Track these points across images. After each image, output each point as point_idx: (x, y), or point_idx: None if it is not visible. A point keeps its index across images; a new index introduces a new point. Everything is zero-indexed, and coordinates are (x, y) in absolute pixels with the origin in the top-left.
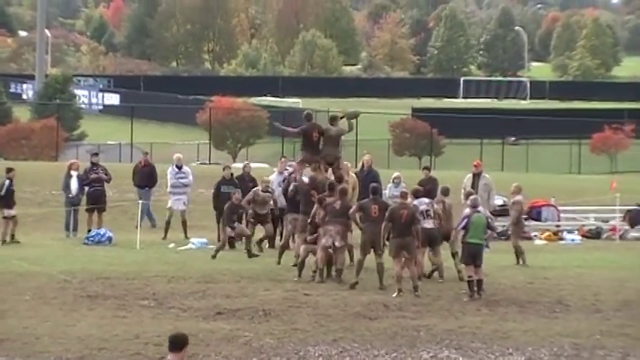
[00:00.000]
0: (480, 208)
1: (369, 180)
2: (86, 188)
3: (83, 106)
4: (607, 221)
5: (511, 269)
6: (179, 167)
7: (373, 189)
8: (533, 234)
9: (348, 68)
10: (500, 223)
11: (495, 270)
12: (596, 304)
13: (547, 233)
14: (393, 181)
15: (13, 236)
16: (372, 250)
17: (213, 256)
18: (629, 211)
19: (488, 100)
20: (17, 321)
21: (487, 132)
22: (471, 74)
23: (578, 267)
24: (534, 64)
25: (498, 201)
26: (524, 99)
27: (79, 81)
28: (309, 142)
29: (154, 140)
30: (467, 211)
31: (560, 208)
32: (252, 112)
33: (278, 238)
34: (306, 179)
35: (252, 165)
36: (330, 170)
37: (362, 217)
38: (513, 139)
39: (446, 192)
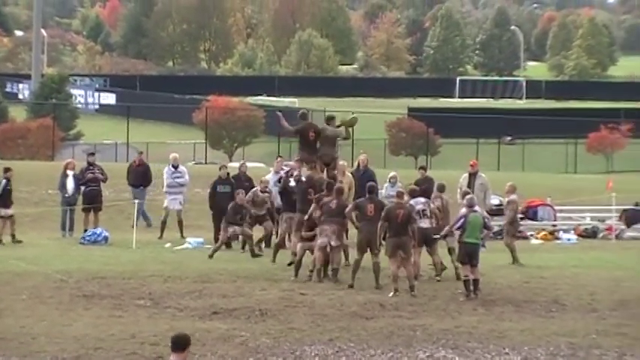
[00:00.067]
0: (477, 208)
1: (365, 180)
2: (82, 188)
3: (79, 105)
4: (603, 221)
5: (507, 269)
6: (175, 167)
7: (370, 188)
8: (529, 233)
9: (344, 68)
10: (497, 223)
11: (492, 269)
12: (593, 304)
13: (543, 233)
14: (389, 181)
15: (14, 236)
16: (368, 249)
17: (210, 256)
18: (625, 210)
19: (485, 99)
20: (14, 320)
21: (483, 131)
22: (467, 74)
23: (575, 266)
24: (530, 63)
25: (494, 200)
26: (521, 99)
27: (75, 80)
28: (306, 141)
29: (150, 140)
30: (463, 210)
31: (556, 207)
32: (249, 112)
33: (274, 237)
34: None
35: (249, 164)
36: (325, 170)
37: (358, 217)
38: (509, 138)
39: (442, 188)
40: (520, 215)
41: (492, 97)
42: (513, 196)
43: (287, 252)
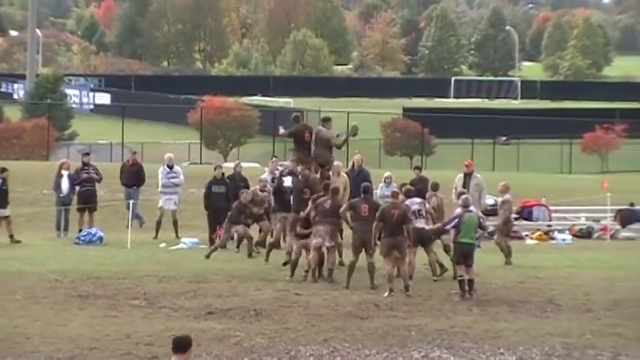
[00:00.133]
0: (472, 208)
1: (360, 180)
2: (77, 188)
3: (74, 105)
4: (598, 221)
5: (502, 269)
6: (170, 167)
7: (365, 188)
8: (524, 234)
9: (339, 68)
10: (492, 223)
11: (487, 270)
12: (587, 304)
13: (538, 233)
14: (384, 181)
15: (12, 237)
16: (363, 249)
17: (207, 256)
18: (620, 210)
19: (480, 99)
20: (8, 320)
21: (478, 132)
22: (462, 74)
23: (570, 267)
24: (525, 63)
25: (489, 200)
26: (516, 99)
27: (70, 80)
28: (302, 142)
29: (145, 140)
30: (458, 210)
31: (551, 207)
32: (244, 112)
33: (268, 237)
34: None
35: (243, 165)
36: (319, 172)
37: (352, 217)
38: (504, 138)
39: (436, 187)
40: (515, 215)
41: (487, 98)
42: (507, 196)
43: (281, 252)
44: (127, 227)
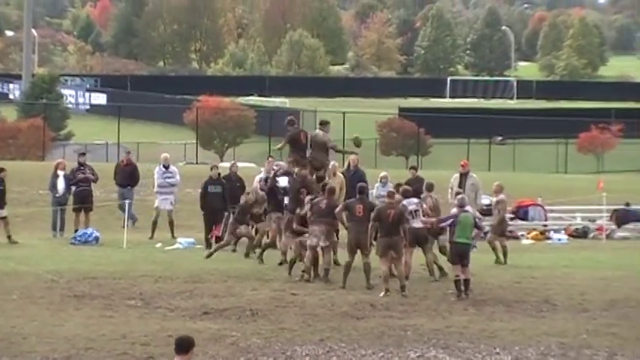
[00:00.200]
0: (469, 208)
1: (355, 180)
2: (73, 188)
3: (70, 105)
4: (594, 221)
5: (498, 269)
6: (166, 167)
7: (360, 189)
8: (520, 233)
9: (335, 68)
10: (488, 223)
11: (482, 269)
12: (583, 304)
13: (534, 233)
14: (380, 181)
15: (9, 237)
16: (358, 250)
17: (208, 256)
18: (615, 210)
19: (475, 99)
20: (4, 320)
21: (474, 132)
22: (457, 74)
23: (565, 266)
24: (521, 63)
25: (485, 200)
26: (511, 99)
27: (66, 80)
28: (298, 145)
29: (141, 140)
30: (454, 210)
31: (547, 207)
32: (239, 112)
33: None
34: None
35: (239, 165)
36: (314, 175)
37: (347, 217)
38: (500, 138)
39: (430, 187)
40: (511, 215)
41: (483, 97)
42: (501, 196)
43: (277, 252)
44: (123, 227)
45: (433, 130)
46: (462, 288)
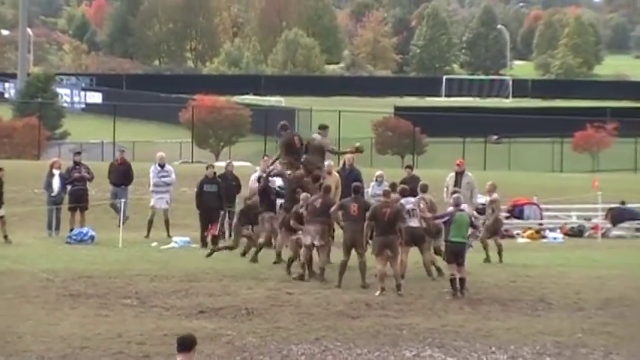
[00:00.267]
0: (464, 207)
1: (351, 179)
2: (68, 187)
3: (65, 104)
4: (589, 219)
5: (494, 268)
6: (161, 166)
7: (355, 188)
8: (515, 232)
9: (330, 67)
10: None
11: (478, 268)
12: (579, 303)
13: (529, 231)
14: (375, 180)
15: (6, 237)
16: (353, 249)
17: (209, 255)
18: (611, 209)
19: (471, 98)
20: None
21: (470, 130)
22: (453, 73)
23: (561, 265)
24: (517, 62)
25: (481, 199)
26: (507, 97)
27: (62, 80)
28: (292, 148)
29: (137, 139)
30: (450, 209)
31: (542, 206)
32: (235, 111)
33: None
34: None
35: (235, 164)
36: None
37: (343, 216)
38: (496, 137)
39: (424, 189)
40: (506, 214)
41: (479, 96)
42: (495, 195)
43: (272, 251)
44: (119, 226)
45: (429, 129)
46: (458, 287)
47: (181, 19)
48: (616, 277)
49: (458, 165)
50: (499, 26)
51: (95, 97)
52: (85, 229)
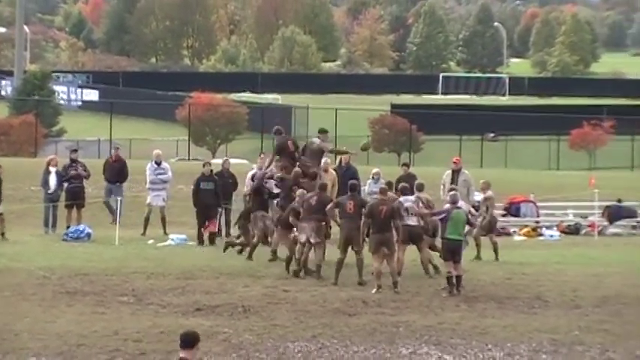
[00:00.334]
0: (462, 204)
1: (347, 176)
2: (65, 184)
3: (62, 102)
4: (586, 217)
5: (490, 265)
6: (158, 163)
7: (351, 186)
8: (512, 230)
9: (327, 64)
10: (480, 219)
11: (474, 266)
12: (575, 300)
13: (526, 229)
14: (372, 177)
15: (3, 234)
16: (350, 246)
17: (223, 249)
18: (607, 207)
19: (468, 96)
20: None
21: (466, 128)
22: (450, 70)
23: (557, 263)
24: (513, 60)
25: (478, 197)
26: (503, 95)
27: (58, 77)
28: (286, 152)
29: (133, 136)
30: (447, 206)
31: (539, 204)
32: (232, 108)
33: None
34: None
35: (232, 161)
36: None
37: (339, 214)
38: (492, 135)
39: (420, 187)
40: (503, 212)
41: (475, 94)
42: (489, 193)
43: (267, 249)
44: (111, 223)
45: (425, 126)
46: (454, 284)
47: (178, 17)
48: (612, 274)
49: (454, 163)
50: (496, 24)
51: (92, 95)
52: (81, 227)
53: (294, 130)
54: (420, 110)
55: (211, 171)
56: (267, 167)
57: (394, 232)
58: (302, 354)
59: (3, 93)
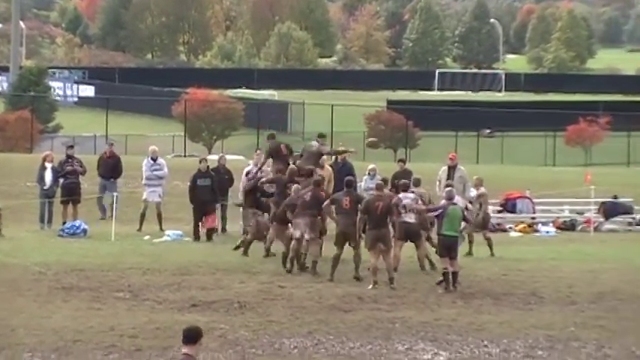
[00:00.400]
0: (458, 199)
1: (343, 173)
2: (61, 180)
3: (58, 98)
4: (582, 213)
5: (486, 261)
6: (154, 159)
7: (347, 182)
8: (508, 226)
9: (323, 60)
10: (474, 216)
11: (470, 262)
12: (571, 296)
13: (522, 225)
14: (368, 174)
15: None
16: (346, 242)
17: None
18: (603, 203)
19: (464, 92)
20: None
21: (462, 124)
22: (446, 66)
23: (553, 259)
24: (509, 56)
25: (474, 193)
26: (499, 91)
27: (54, 73)
28: (279, 155)
29: (129, 132)
30: (443, 202)
31: (534, 200)
32: (228, 104)
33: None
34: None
35: (228, 157)
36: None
37: (335, 210)
38: (488, 131)
39: (417, 183)
40: (499, 208)
41: (471, 90)
42: (482, 189)
43: (260, 245)
44: (111, 219)
45: (421, 122)
46: (450, 280)
47: (174, 13)
48: (608, 270)
49: (450, 159)
50: (492, 20)
51: (88, 91)
52: (77, 223)
53: (291, 126)
54: (416, 106)
55: (208, 167)
56: (259, 169)
57: (390, 227)
58: (298, 350)
59: None
